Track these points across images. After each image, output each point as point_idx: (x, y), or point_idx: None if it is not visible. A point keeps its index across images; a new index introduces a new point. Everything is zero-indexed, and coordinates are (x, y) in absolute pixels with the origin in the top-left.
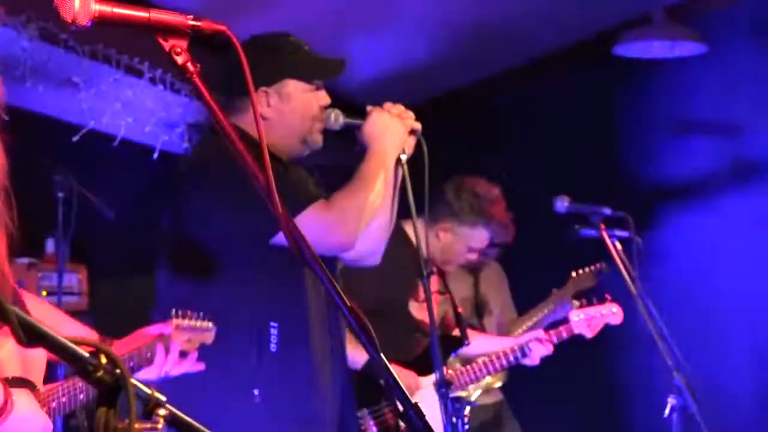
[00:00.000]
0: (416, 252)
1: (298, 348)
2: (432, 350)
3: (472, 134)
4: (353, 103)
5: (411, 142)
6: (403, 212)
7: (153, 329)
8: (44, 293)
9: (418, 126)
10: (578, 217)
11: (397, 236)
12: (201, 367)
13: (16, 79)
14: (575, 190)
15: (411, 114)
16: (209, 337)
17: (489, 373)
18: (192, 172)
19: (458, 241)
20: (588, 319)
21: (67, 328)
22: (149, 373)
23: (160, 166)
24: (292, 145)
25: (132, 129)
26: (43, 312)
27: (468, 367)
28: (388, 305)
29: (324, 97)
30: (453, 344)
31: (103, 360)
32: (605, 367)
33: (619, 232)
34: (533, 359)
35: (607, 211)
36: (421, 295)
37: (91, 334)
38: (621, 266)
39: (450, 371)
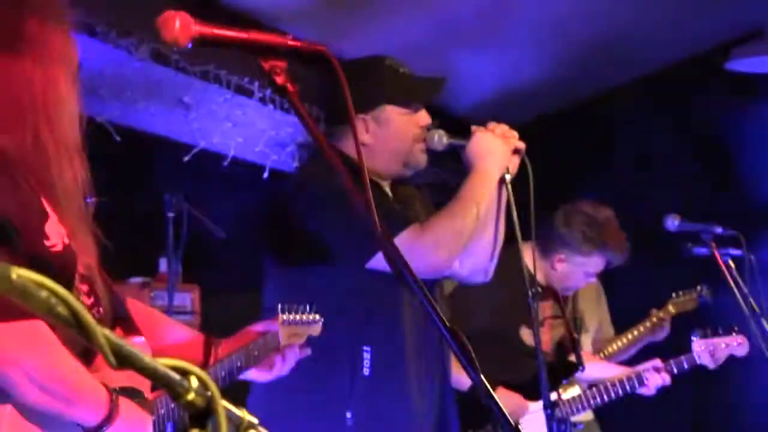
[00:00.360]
0: (530, 275)
1: (393, 373)
2: (539, 372)
3: (581, 152)
4: (463, 122)
5: (515, 162)
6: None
7: (259, 326)
8: None
9: (522, 145)
10: (689, 236)
11: (512, 260)
12: (307, 352)
13: (128, 100)
14: (686, 208)
15: (515, 133)
16: (317, 330)
17: (603, 401)
18: (295, 192)
19: (575, 270)
20: (712, 350)
21: (173, 333)
22: (261, 374)
23: (271, 185)
24: (395, 169)
25: (242, 148)
26: (148, 317)
27: (581, 394)
28: (497, 329)
29: (424, 117)
30: (568, 369)
31: (194, 382)
32: (712, 385)
33: (731, 251)
34: (649, 389)
35: (719, 229)
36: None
37: (197, 337)
38: (733, 285)
39: (562, 396)
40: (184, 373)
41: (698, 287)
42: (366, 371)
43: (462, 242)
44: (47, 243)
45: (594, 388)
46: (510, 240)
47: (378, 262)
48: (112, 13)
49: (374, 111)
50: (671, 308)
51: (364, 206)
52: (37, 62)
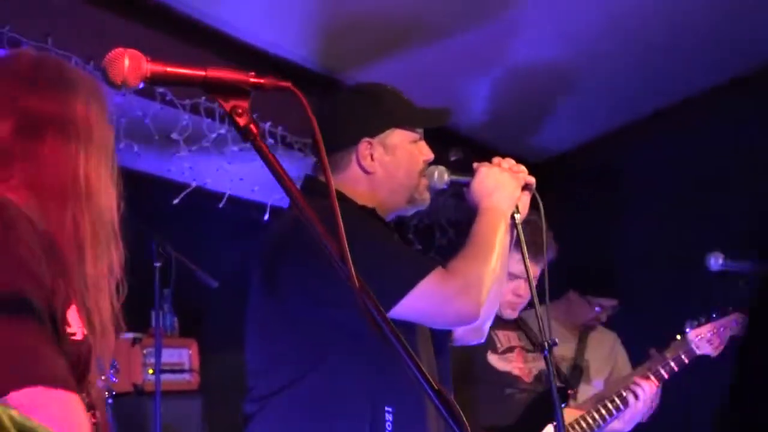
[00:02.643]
0: None
1: None
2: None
3: (605, 191)
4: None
5: (525, 199)
6: None
7: None
8: (150, 371)
9: (532, 180)
10: (735, 275)
11: None
12: None
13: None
14: (728, 244)
15: (523, 168)
16: None
17: (610, 415)
18: (287, 240)
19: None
20: (710, 337)
21: None
22: None
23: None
24: (398, 203)
25: (240, 188)
26: None
27: (582, 417)
28: (468, 362)
29: (427, 151)
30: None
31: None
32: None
33: None
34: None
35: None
36: (502, 345)
37: None
38: None
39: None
40: None
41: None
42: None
43: (488, 286)
44: (68, 330)
45: (598, 405)
46: None
47: (396, 312)
48: (88, 44)
49: (381, 135)
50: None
51: (338, 251)
52: (82, 147)
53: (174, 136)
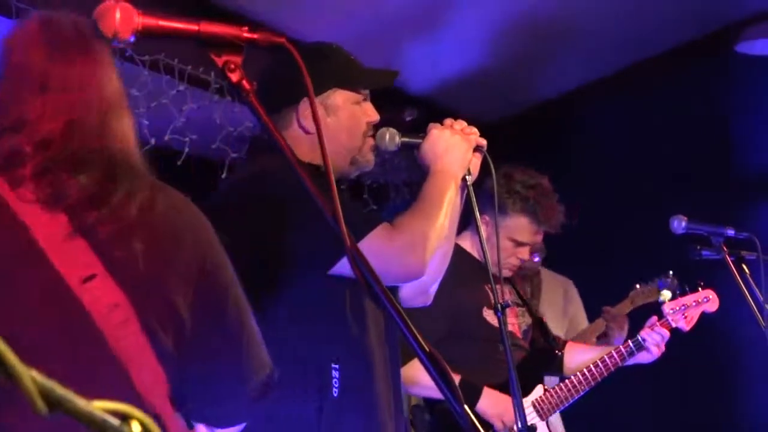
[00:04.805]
0: (475, 260)
1: (362, 394)
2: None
3: (563, 150)
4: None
5: (476, 161)
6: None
7: None
8: None
9: (483, 142)
10: (698, 239)
11: (454, 252)
12: None
13: None
14: (692, 207)
15: (475, 130)
16: None
17: (593, 383)
18: (244, 190)
19: (500, 235)
20: (683, 310)
21: None
22: None
23: (221, 182)
24: (341, 166)
25: (197, 145)
26: None
27: (567, 381)
28: (462, 318)
29: (372, 112)
30: (545, 358)
31: (136, 428)
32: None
33: (746, 255)
34: (651, 351)
35: (731, 231)
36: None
37: None
38: (746, 293)
39: (547, 391)
40: (125, 418)
41: (668, 275)
42: (335, 392)
43: (435, 245)
44: None
45: (579, 373)
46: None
47: (342, 267)
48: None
49: (323, 95)
50: (630, 302)
51: (329, 205)
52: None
53: (133, 92)
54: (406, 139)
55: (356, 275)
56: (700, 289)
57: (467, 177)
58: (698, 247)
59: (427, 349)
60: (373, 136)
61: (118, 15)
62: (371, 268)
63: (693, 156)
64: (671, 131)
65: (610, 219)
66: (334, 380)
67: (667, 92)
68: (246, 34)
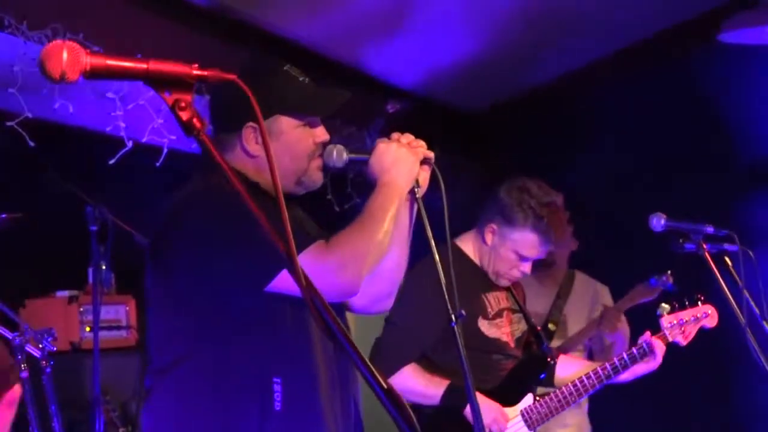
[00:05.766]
0: (475, 267)
1: (306, 407)
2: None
3: (553, 137)
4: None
5: (425, 174)
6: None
7: None
8: (87, 329)
9: (430, 155)
10: (678, 235)
11: (453, 255)
12: None
13: (44, 98)
14: (672, 201)
15: (422, 143)
16: None
17: (590, 389)
18: (186, 205)
19: (505, 246)
20: (681, 325)
21: None
22: None
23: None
24: (286, 186)
25: (177, 145)
26: None
27: (558, 391)
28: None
29: (322, 133)
30: (536, 367)
31: None
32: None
33: (728, 246)
34: (656, 356)
35: (710, 228)
36: (492, 310)
37: None
38: (725, 288)
39: (537, 400)
40: None
41: (666, 274)
42: (277, 405)
43: (372, 260)
44: None
45: (570, 384)
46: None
47: (280, 283)
48: (21, 2)
49: (266, 121)
50: (630, 300)
51: (270, 222)
52: None
53: (109, 95)
54: (353, 156)
55: (298, 286)
56: (699, 303)
57: (416, 189)
58: (681, 240)
59: (384, 386)
60: (322, 154)
61: (65, 56)
62: (327, 307)
63: (693, 139)
64: (662, 115)
65: (600, 204)
66: (276, 394)
67: (657, 77)
68: (196, 72)
